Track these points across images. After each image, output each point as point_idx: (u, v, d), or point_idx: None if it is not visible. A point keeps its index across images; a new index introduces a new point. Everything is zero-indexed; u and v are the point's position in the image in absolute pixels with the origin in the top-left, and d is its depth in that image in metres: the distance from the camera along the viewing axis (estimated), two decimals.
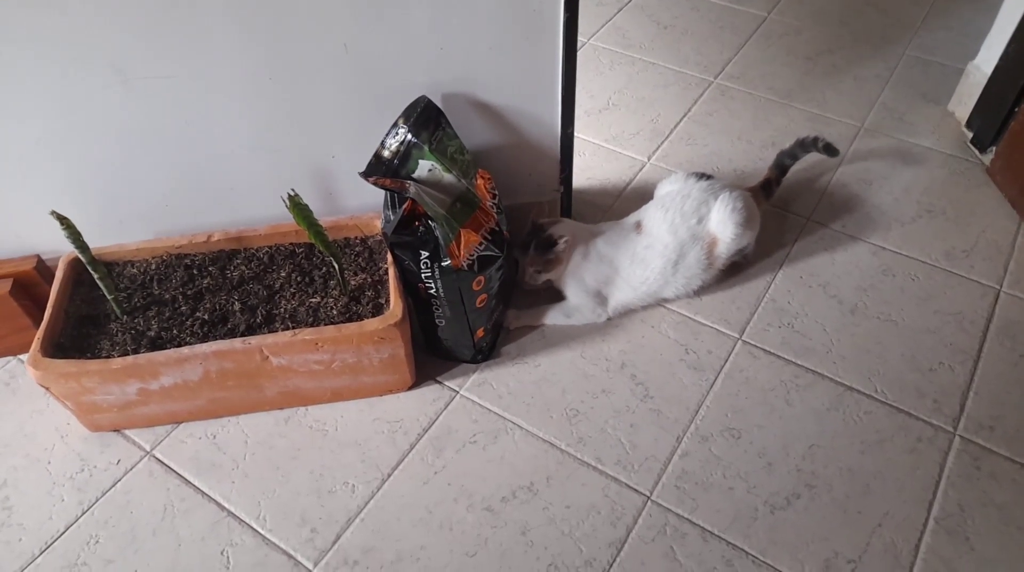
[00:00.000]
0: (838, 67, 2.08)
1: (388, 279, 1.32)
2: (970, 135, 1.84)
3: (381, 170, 1.19)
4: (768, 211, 1.63)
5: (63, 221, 1.15)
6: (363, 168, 1.19)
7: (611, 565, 1.18)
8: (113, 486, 1.28)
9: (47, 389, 1.24)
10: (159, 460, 1.31)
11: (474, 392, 1.39)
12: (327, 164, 1.37)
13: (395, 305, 1.27)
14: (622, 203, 1.72)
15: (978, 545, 1.19)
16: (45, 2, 1.06)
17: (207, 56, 1.18)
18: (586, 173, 1.80)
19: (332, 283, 1.34)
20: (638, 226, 1.47)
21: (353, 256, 1.39)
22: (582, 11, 1.26)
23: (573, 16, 1.24)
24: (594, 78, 2.07)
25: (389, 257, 1.30)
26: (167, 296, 1.33)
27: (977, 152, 1.81)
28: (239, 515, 1.24)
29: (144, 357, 1.22)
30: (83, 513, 1.25)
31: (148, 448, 1.33)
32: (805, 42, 2.17)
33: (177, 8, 1.11)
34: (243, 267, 1.37)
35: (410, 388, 1.40)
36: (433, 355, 1.43)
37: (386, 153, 1.19)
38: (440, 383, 1.41)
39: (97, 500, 1.26)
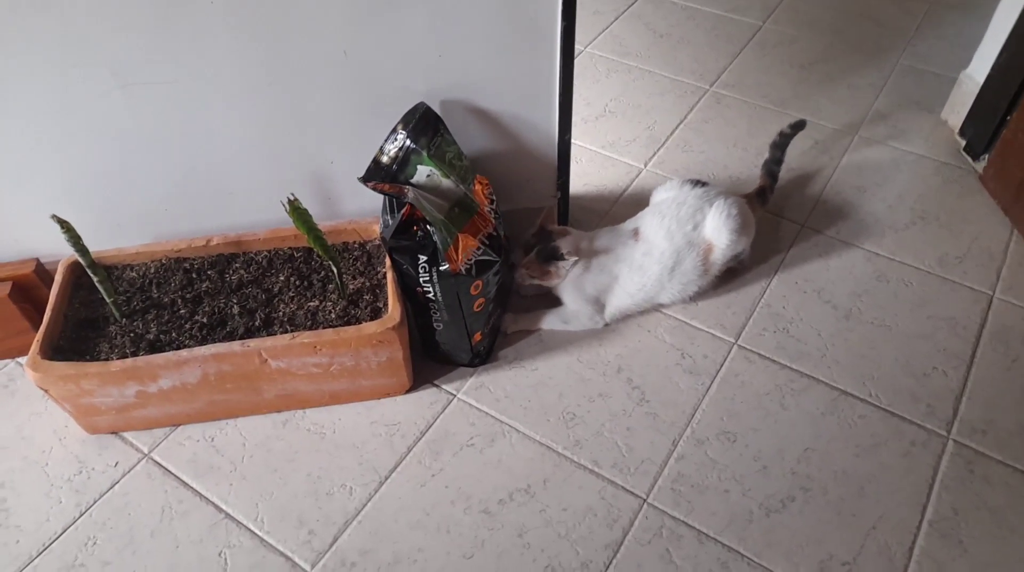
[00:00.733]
0: (832, 76, 2.10)
1: (386, 283, 1.32)
2: (963, 143, 1.86)
3: (380, 175, 1.20)
4: (763, 217, 1.65)
5: (63, 225, 1.16)
6: (362, 173, 1.20)
7: (607, 567, 1.18)
8: (111, 488, 1.28)
9: (46, 391, 1.24)
10: (157, 462, 1.31)
11: (471, 396, 1.40)
12: (326, 169, 1.38)
13: (393, 309, 1.27)
14: (618, 209, 1.74)
15: (971, 548, 1.20)
16: (44, 6, 1.07)
17: (207, 61, 1.19)
18: (583, 179, 1.82)
19: (331, 287, 1.35)
20: (636, 233, 1.48)
21: (352, 260, 1.40)
22: (579, 19, 1.27)
23: (570, 24, 1.25)
24: (591, 85, 2.09)
25: (387, 261, 1.31)
26: (166, 299, 1.33)
27: (970, 160, 1.83)
28: (237, 517, 1.25)
29: (143, 360, 1.22)
30: (81, 515, 1.25)
31: (146, 450, 1.33)
32: (800, 51, 2.19)
33: (177, 13, 1.12)
34: (242, 271, 1.38)
35: (408, 391, 1.40)
36: (431, 359, 1.44)
37: (385, 158, 1.21)
38: (437, 387, 1.42)
39: (95, 502, 1.27)
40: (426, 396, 1.40)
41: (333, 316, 1.30)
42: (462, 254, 1.24)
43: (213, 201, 1.39)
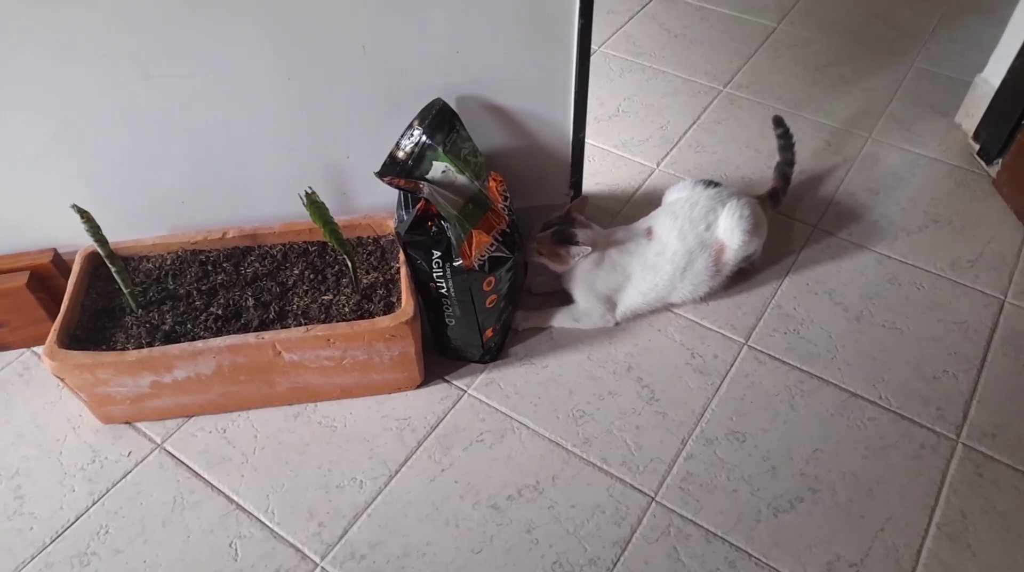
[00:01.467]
0: (846, 78, 2.09)
1: (400, 278, 1.33)
2: (977, 147, 1.85)
3: (395, 170, 1.21)
4: (775, 219, 1.65)
5: (83, 214, 1.17)
6: (378, 168, 1.21)
7: (615, 564, 1.19)
8: (124, 478, 1.30)
9: (62, 380, 1.25)
10: (169, 453, 1.33)
11: (482, 391, 1.41)
12: (342, 163, 1.39)
13: (407, 303, 1.28)
14: (631, 209, 1.74)
15: (980, 552, 1.20)
16: None
17: (227, 55, 1.20)
18: (595, 178, 1.82)
19: (345, 281, 1.36)
20: (649, 232, 1.48)
21: (366, 255, 1.40)
22: (593, 18, 1.27)
23: (587, 23, 1.25)
24: (604, 85, 2.09)
25: (401, 256, 1.31)
26: (182, 291, 1.34)
27: (983, 164, 1.83)
28: (248, 508, 1.26)
29: (158, 350, 1.24)
30: (93, 504, 1.26)
31: (159, 441, 1.34)
32: (814, 53, 2.18)
33: (199, 6, 1.13)
34: (257, 264, 1.39)
35: (419, 386, 1.41)
36: (442, 354, 1.45)
37: (401, 154, 1.21)
38: (448, 382, 1.43)
39: (107, 491, 1.28)
40: (437, 391, 1.41)
41: (347, 310, 1.31)
42: (475, 250, 1.25)
43: (230, 194, 1.40)
